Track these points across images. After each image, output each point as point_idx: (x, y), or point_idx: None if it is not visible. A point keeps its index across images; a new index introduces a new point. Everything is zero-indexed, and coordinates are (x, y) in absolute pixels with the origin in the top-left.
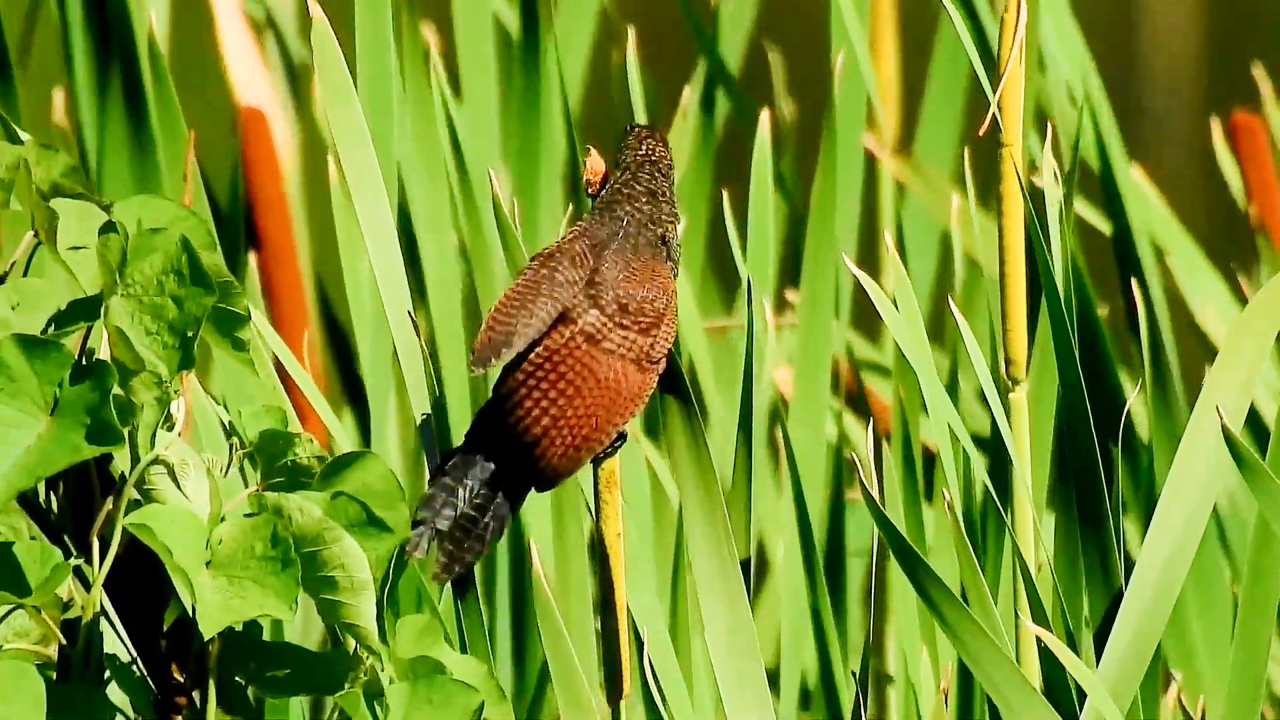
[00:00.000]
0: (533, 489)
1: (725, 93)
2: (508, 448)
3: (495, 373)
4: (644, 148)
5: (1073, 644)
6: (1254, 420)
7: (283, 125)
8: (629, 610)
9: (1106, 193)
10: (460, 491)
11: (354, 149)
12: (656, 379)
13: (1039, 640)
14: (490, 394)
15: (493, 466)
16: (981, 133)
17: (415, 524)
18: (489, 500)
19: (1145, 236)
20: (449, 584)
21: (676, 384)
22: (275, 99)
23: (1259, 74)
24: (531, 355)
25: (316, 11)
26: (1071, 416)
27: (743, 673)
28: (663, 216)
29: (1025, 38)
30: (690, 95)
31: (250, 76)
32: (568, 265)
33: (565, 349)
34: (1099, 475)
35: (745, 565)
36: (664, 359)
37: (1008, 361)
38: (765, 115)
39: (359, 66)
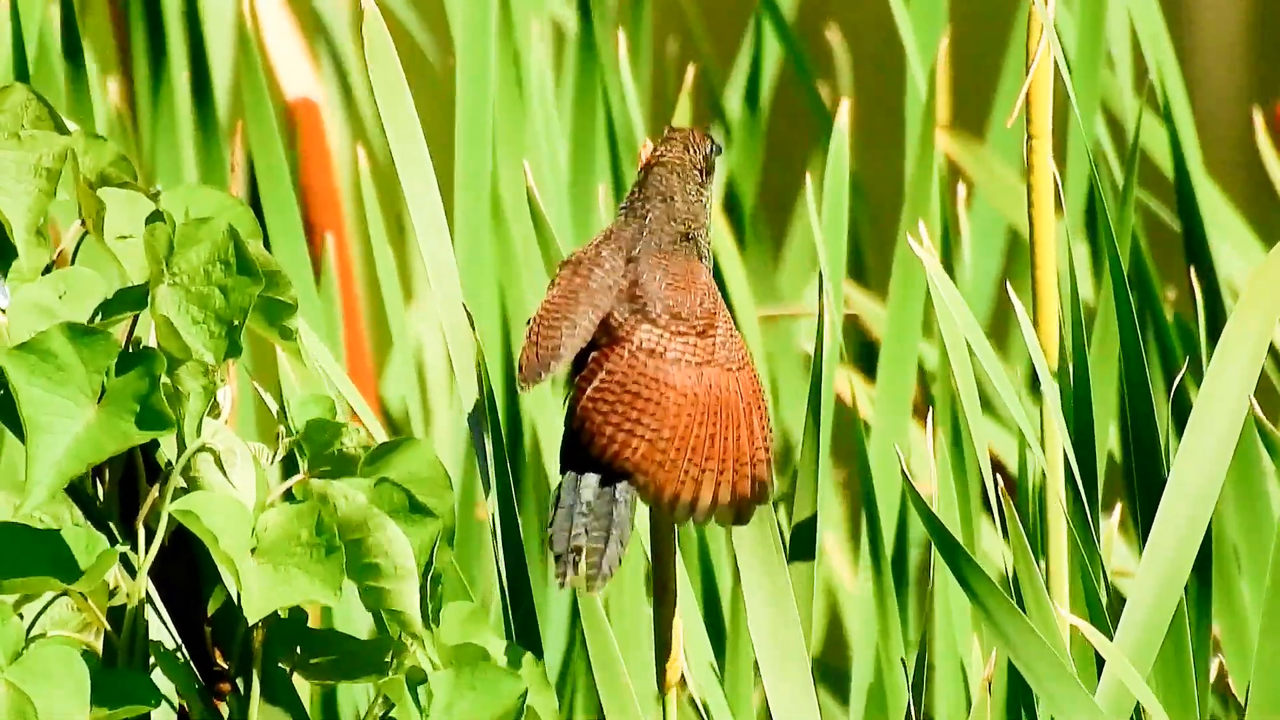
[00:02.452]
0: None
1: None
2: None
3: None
4: (657, 151)
5: None
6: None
7: (330, 119)
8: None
9: (1179, 189)
10: (579, 507)
11: (405, 141)
12: (754, 379)
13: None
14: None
15: (598, 477)
16: (1010, 123)
17: (555, 558)
18: (609, 503)
19: (1216, 234)
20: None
21: None
22: (322, 93)
23: None
24: (596, 383)
25: (369, 4)
26: (1134, 410)
27: (787, 669)
28: (681, 215)
29: (1099, 20)
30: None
31: (295, 74)
32: (600, 271)
33: (629, 368)
34: (1160, 467)
35: (810, 553)
36: (747, 357)
37: (1044, 355)
38: (845, 104)
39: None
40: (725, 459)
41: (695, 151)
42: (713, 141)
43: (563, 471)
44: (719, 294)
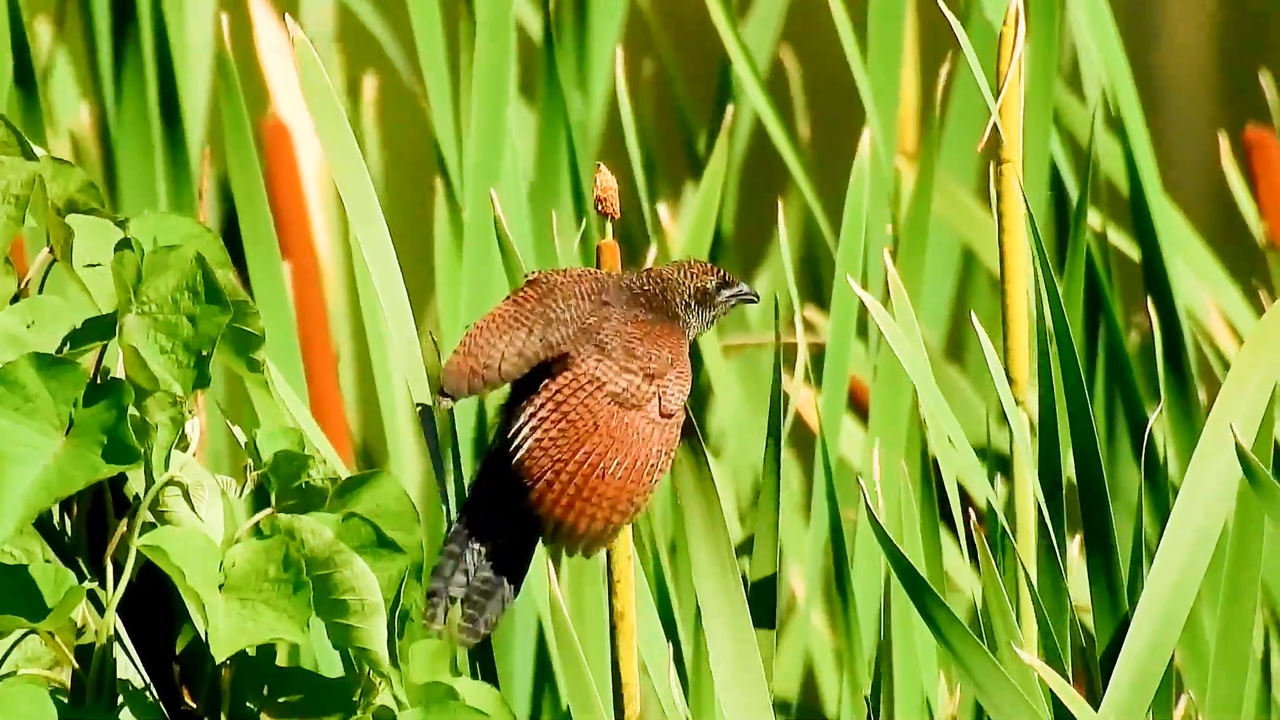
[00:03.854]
0: (562, 553)
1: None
2: (513, 498)
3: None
4: (664, 272)
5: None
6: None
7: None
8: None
9: (1134, 212)
10: (469, 556)
11: (346, 167)
12: (674, 437)
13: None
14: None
15: (495, 532)
16: (980, 148)
17: (429, 594)
18: (500, 563)
19: (1174, 259)
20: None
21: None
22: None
23: (1266, 80)
24: (537, 400)
25: (298, 33)
26: (1081, 441)
27: (748, 705)
28: (680, 311)
29: (1049, 52)
30: (731, 113)
31: (288, 90)
32: (561, 305)
33: (569, 390)
34: (1105, 502)
35: (772, 590)
36: (680, 415)
37: (1009, 381)
38: (866, 133)
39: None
40: (607, 496)
41: (690, 278)
42: (722, 279)
43: (467, 505)
44: (687, 359)
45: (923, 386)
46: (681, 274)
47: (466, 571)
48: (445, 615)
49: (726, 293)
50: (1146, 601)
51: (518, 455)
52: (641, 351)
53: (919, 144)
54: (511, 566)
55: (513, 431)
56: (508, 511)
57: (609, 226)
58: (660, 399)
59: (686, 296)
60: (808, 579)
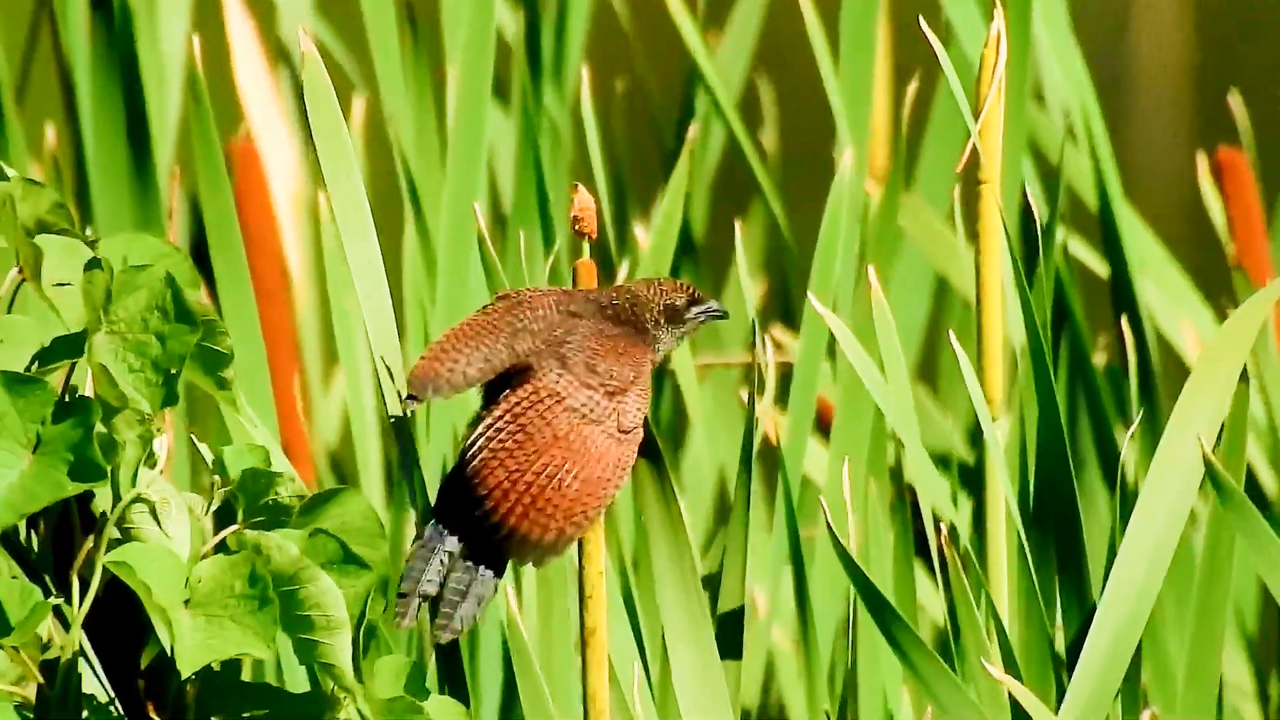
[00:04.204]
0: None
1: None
2: (470, 511)
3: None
4: (633, 289)
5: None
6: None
7: (295, 158)
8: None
9: (1104, 231)
10: (441, 557)
11: (342, 185)
12: (632, 454)
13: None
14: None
15: (458, 540)
16: (960, 169)
17: (399, 595)
18: (474, 562)
19: (1141, 275)
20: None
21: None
22: (290, 132)
23: (1234, 103)
24: (496, 411)
25: (308, 46)
26: (1050, 460)
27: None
28: (649, 328)
29: (1023, 73)
30: (696, 131)
31: (265, 111)
32: (530, 316)
33: (528, 403)
34: (1077, 520)
35: (739, 620)
36: (638, 431)
37: (985, 400)
38: (847, 154)
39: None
40: (561, 508)
41: (659, 295)
42: (691, 297)
43: (435, 512)
44: (649, 378)
45: (889, 408)
46: (651, 291)
47: (439, 571)
48: (414, 615)
49: (696, 310)
50: (1103, 613)
51: (472, 464)
52: (603, 368)
53: (888, 164)
54: (486, 565)
55: (469, 440)
56: (468, 526)
57: (586, 246)
58: (619, 415)
59: (656, 313)
60: (769, 596)
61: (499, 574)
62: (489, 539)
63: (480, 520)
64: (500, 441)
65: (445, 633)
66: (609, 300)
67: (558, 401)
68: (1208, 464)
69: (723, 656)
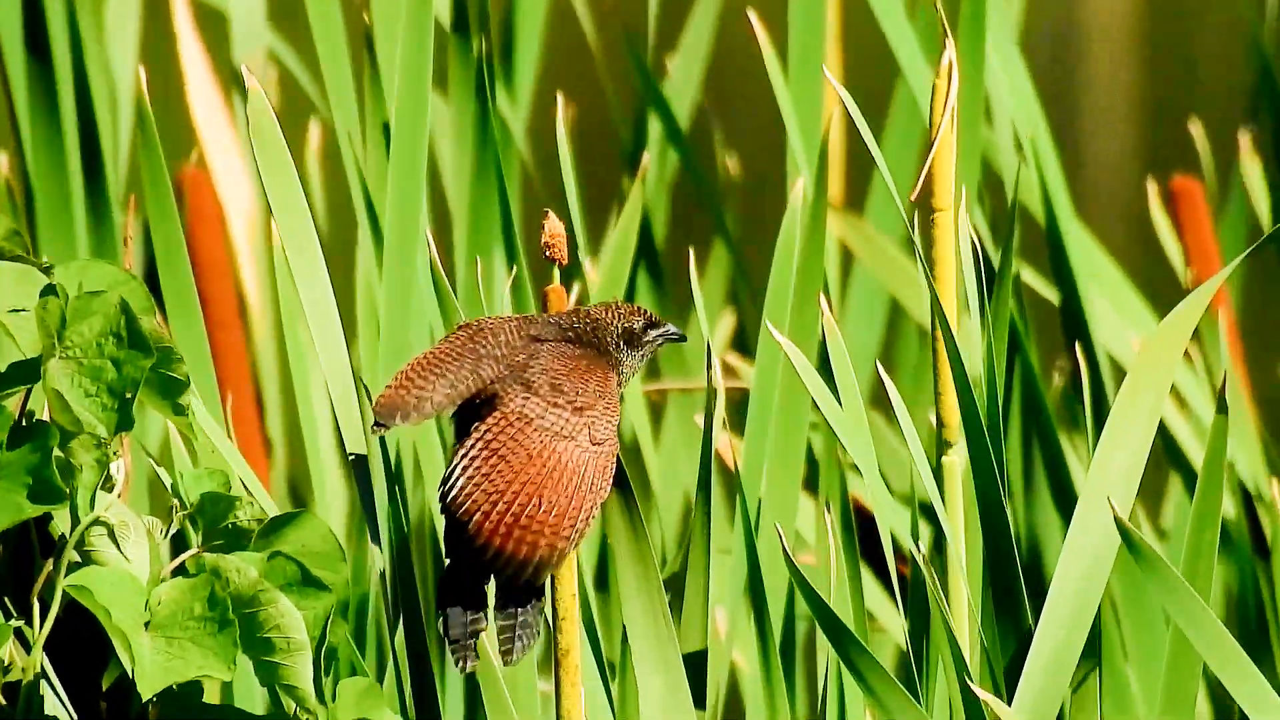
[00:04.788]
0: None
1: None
2: (457, 538)
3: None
4: (592, 312)
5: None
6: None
7: (249, 183)
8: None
9: (1052, 253)
10: (476, 597)
11: (290, 217)
12: (610, 464)
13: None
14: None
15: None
16: (914, 197)
17: (452, 642)
18: (510, 598)
19: (1092, 297)
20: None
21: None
22: (244, 157)
23: (1196, 131)
24: (468, 441)
25: (252, 83)
26: (984, 484)
27: None
28: (610, 350)
29: (975, 96)
30: (648, 160)
31: (218, 136)
32: (492, 342)
33: (498, 428)
34: (1011, 547)
35: (702, 630)
36: (611, 443)
37: (940, 425)
38: (800, 182)
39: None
40: (548, 524)
41: (617, 319)
42: (648, 320)
43: (448, 555)
44: (615, 392)
45: (844, 434)
46: (609, 315)
47: (481, 610)
48: (474, 654)
49: (654, 333)
50: (1039, 639)
51: (452, 494)
52: (569, 386)
53: (813, 184)
54: (522, 598)
55: (446, 473)
56: (457, 554)
57: (556, 272)
58: (590, 429)
59: (615, 337)
60: (730, 616)
61: (537, 603)
62: (478, 563)
63: (468, 546)
64: (476, 468)
65: (512, 656)
66: (570, 323)
67: (527, 423)
68: (1118, 523)
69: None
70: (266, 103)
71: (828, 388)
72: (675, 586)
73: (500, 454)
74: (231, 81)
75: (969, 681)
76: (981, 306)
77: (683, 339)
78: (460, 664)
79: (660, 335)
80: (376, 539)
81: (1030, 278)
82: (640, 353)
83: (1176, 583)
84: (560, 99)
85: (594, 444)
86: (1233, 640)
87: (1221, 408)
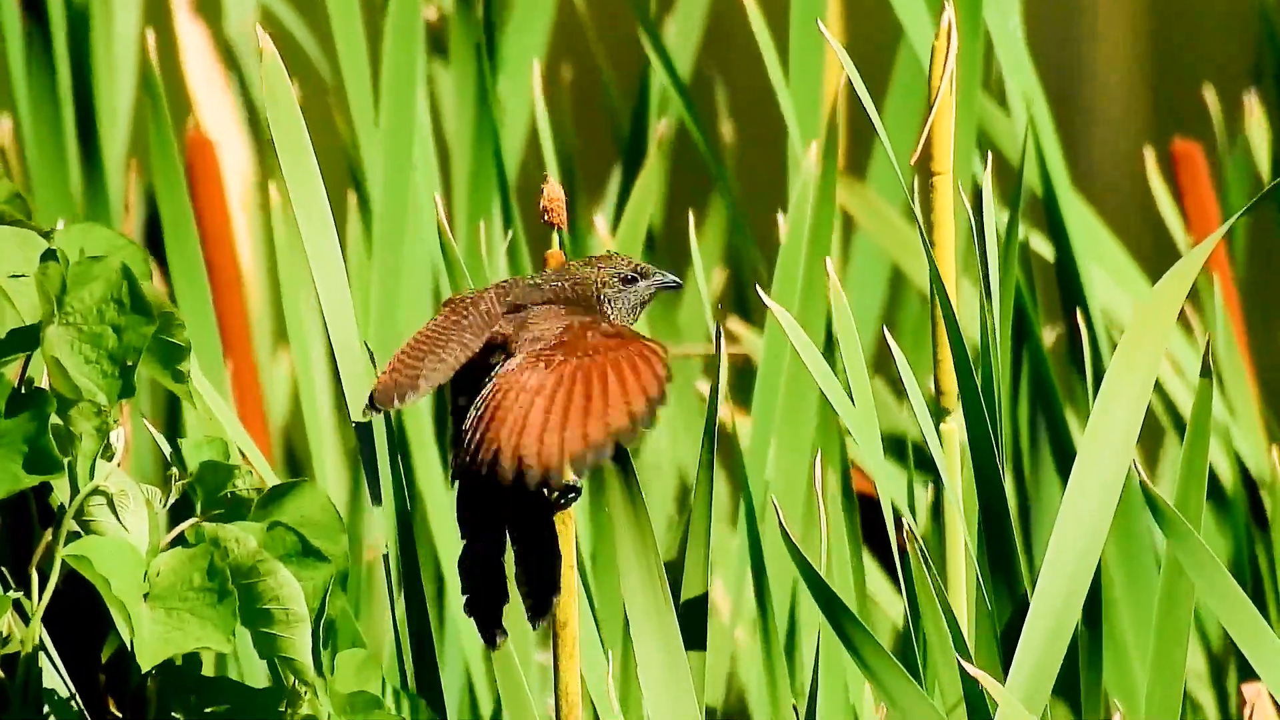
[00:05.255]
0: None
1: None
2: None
3: None
4: (572, 268)
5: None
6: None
7: (245, 149)
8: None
9: (1049, 218)
10: (487, 570)
11: (302, 183)
12: (641, 353)
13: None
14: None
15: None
16: (914, 161)
17: (482, 626)
18: (522, 543)
19: (1089, 263)
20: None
21: None
22: (240, 127)
23: (1209, 96)
24: (471, 415)
25: (267, 44)
26: (978, 450)
27: (676, 710)
28: (597, 305)
29: (977, 63)
30: (665, 127)
31: (215, 105)
32: (475, 314)
33: (492, 391)
34: (1005, 511)
35: (703, 602)
36: (624, 342)
37: (939, 392)
38: (812, 149)
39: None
40: (604, 403)
41: (602, 271)
42: (638, 270)
43: (464, 536)
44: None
45: (842, 407)
46: (595, 268)
47: (497, 580)
48: (502, 630)
49: (644, 284)
50: (1037, 603)
51: (469, 449)
52: (547, 334)
53: (822, 151)
54: (537, 540)
55: (466, 425)
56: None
57: (555, 236)
58: (582, 346)
59: (601, 289)
60: (733, 591)
61: (554, 567)
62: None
63: (494, 475)
64: (485, 422)
65: (540, 619)
66: (554, 284)
67: (516, 372)
68: (1143, 486)
69: (686, 649)
70: (282, 69)
71: (837, 352)
72: (672, 557)
73: (502, 404)
74: (228, 49)
75: (959, 657)
76: (985, 273)
77: (679, 287)
78: (490, 642)
79: (652, 285)
80: (377, 499)
81: (1034, 243)
82: (632, 304)
83: (1186, 532)
84: (537, 64)
85: (608, 348)
86: (1239, 589)
87: (1205, 371)
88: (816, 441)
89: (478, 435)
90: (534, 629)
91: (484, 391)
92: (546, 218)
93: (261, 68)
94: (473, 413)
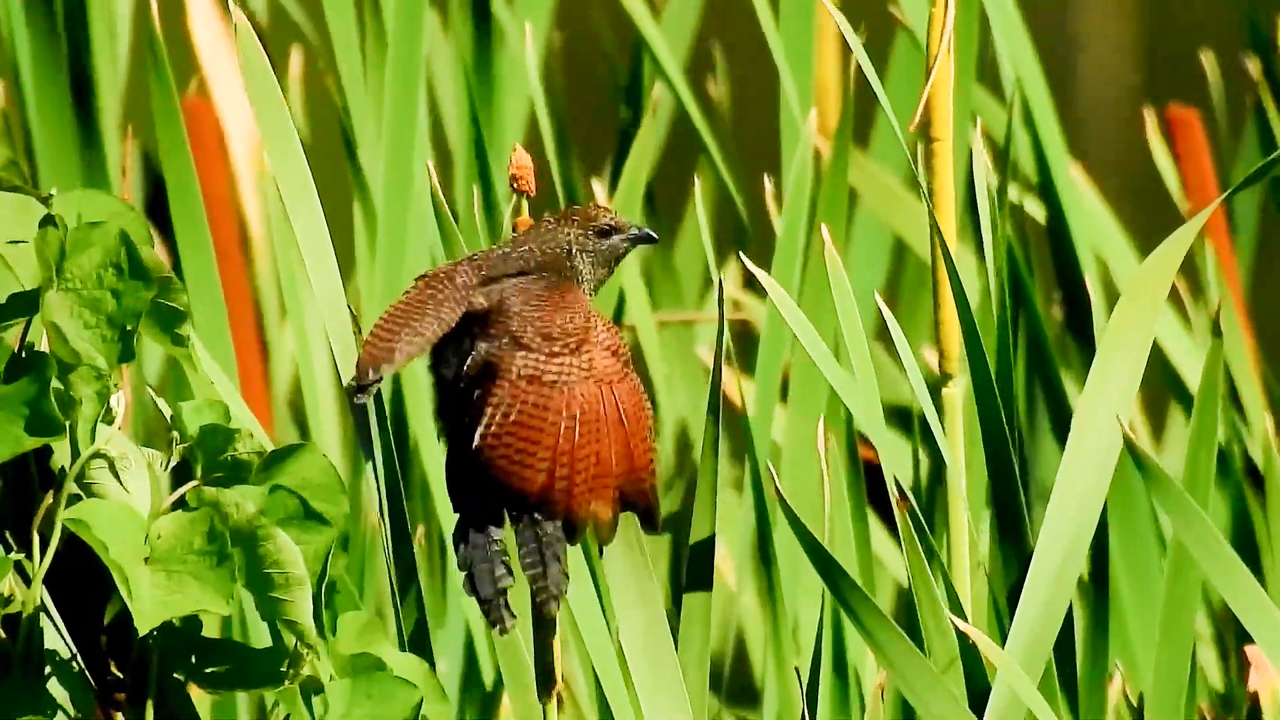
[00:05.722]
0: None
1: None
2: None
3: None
4: (543, 228)
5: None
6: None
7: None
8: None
9: (1043, 187)
10: (492, 546)
11: (282, 149)
12: (636, 387)
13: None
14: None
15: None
16: (913, 128)
17: (483, 602)
18: (531, 526)
19: (1083, 232)
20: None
21: None
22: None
23: (1206, 60)
24: (484, 420)
25: (239, 17)
26: (987, 415)
27: (658, 674)
28: (570, 263)
29: (972, 33)
30: (659, 93)
31: (220, 64)
32: (450, 286)
33: (511, 398)
34: (1014, 476)
35: (708, 563)
36: (627, 368)
37: (941, 357)
38: (813, 113)
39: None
40: (619, 472)
41: (573, 225)
42: (611, 224)
43: (458, 510)
44: (590, 308)
45: (835, 377)
46: (565, 225)
47: (503, 556)
48: (509, 614)
49: (618, 237)
50: (1037, 565)
51: (499, 478)
52: (556, 330)
53: (838, 122)
54: (547, 528)
55: (474, 445)
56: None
57: (525, 204)
58: (590, 362)
59: (573, 245)
60: (738, 555)
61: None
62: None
63: (554, 523)
64: (507, 446)
65: (552, 603)
66: (523, 251)
67: (536, 382)
68: (1126, 441)
69: (689, 610)
70: (256, 39)
71: (835, 320)
72: (669, 524)
73: (526, 425)
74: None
75: (951, 615)
76: (981, 237)
77: (653, 240)
78: (498, 626)
79: (628, 239)
80: (370, 455)
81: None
82: (605, 257)
83: (1179, 496)
84: (529, 29)
85: (616, 376)
86: (1233, 553)
87: (1216, 331)
88: (826, 409)
89: (505, 452)
90: (546, 615)
91: (499, 399)
92: (515, 185)
93: (237, 41)
94: (491, 419)
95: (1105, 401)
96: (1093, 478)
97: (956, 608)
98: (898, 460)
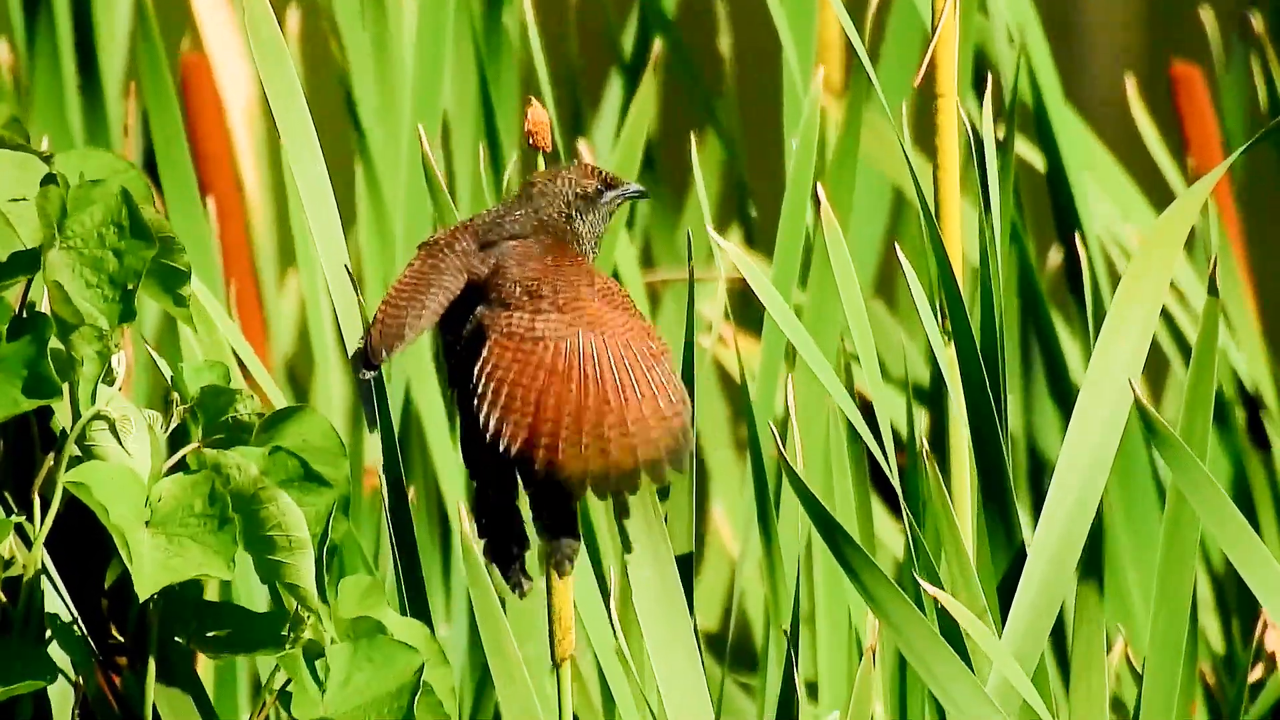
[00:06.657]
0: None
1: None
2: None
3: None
4: (535, 187)
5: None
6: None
7: (249, 69)
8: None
9: (1040, 132)
10: (498, 514)
11: (286, 105)
12: (647, 333)
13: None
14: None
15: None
16: (918, 83)
17: (504, 572)
18: (541, 501)
19: (1082, 180)
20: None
21: None
22: (243, 45)
23: (1206, 17)
24: (477, 380)
25: None
26: (970, 372)
27: (672, 637)
28: (564, 223)
29: None
30: (660, 48)
31: (218, 20)
32: (451, 255)
33: (499, 357)
34: (999, 440)
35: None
36: (632, 319)
37: (944, 315)
38: (820, 73)
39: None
40: (622, 422)
41: (567, 185)
42: (603, 181)
43: (474, 477)
44: (586, 265)
45: (801, 344)
46: (559, 183)
47: (519, 522)
48: (526, 576)
49: (611, 194)
50: (1042, 533)
51: (490, 434)
52: (546, 288)
53: (846, 81)
54: (555, 503)
55: (483, 425)
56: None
57: (540, 160)
58: (592, 312)
59: (567, 205)
60: (741, 520)
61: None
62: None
63: (553, 489)
64: (504, 405)
65: (565, 564)
66: (517, 213)
67: (525, 340)
68: (1138, 405)
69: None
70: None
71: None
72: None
73: (520, 383)
74: None
75: (922, 579)
76: (985, 194)
77: (645, 195)
78: (516, 589)
79: (620, 194)
80: (374, 424)
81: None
82: (599, 215)
83: (1188, 459)
84: None
85: (619, 328)
86: (1239, 514)
87: (1213, 289)
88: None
89: (489, 410)
90: (560, 577)
91: (485, 357)
92: (532, 141)
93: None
94: (477, 378)
95: (1117, 361)
96: (1099, 448)
97: (964, 566)
98: (895, 413)
